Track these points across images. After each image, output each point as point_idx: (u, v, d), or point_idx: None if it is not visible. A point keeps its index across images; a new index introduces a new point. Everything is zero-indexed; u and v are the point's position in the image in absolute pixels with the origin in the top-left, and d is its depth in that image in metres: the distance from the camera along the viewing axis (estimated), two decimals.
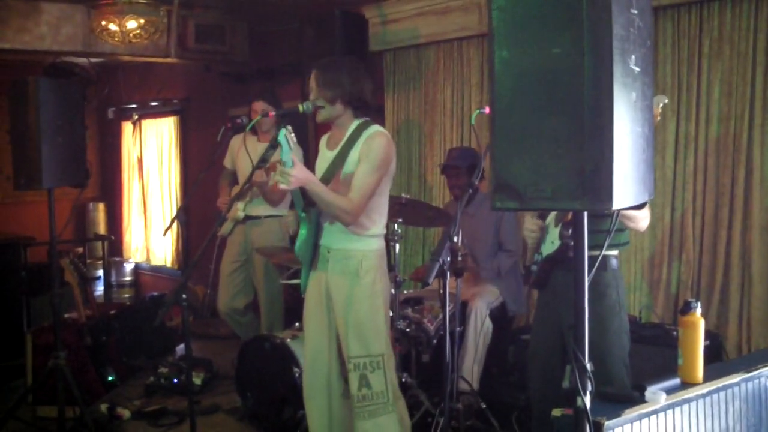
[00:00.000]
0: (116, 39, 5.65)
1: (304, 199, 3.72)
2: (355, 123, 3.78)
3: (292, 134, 3.49)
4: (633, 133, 2.11)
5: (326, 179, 3.73)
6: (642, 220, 3.50)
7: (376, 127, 3.77)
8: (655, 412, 2.67)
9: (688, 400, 2.78)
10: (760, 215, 4.70)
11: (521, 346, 5.03)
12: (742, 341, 4.75)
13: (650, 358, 4.26)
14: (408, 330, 4.95)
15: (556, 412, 2.64)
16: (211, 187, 6.12)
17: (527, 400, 4.05)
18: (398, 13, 6.57)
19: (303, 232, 3.82)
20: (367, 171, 3.65)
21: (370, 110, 3.86)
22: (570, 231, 3.57)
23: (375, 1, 6.63)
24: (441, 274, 3.54)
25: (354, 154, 3.69)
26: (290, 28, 7.37)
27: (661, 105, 3.02)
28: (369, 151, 3.66)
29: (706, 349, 3.20)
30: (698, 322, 2.97)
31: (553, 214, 3.75)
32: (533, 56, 2.10)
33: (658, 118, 3.02)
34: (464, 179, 5.11)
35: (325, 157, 3.85)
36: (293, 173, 3.43)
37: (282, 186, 3.49)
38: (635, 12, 2.12)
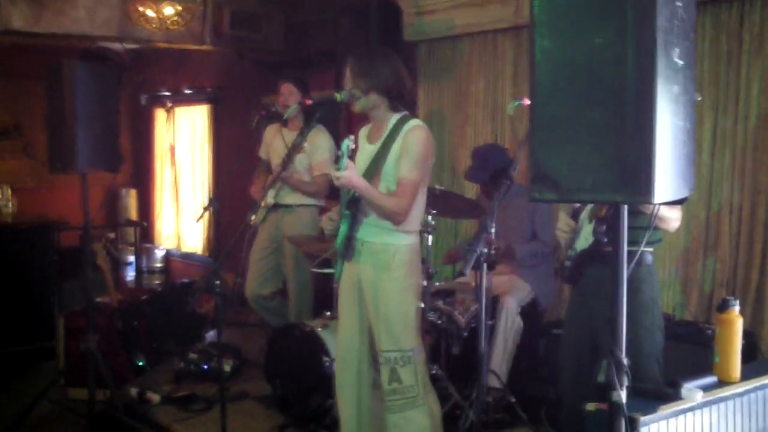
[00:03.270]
0: (153, 25, 5.67)
1: (350, 198, 3.74)
2: (395, 117, 3.77)
3: (351, 142, 3.51)
4: (674, 126, 2.09)
5: (369, 175, 3.73)
6: (674, 221, 3.46)
7: (415, 121, 3.75)
8: (692, 409, 2.64)
9: (724, 399, 2.74)
10: None
11: (552, 341, 5.00)
12: None
13: (683, 355, 4.22)
14: (439, 322, 4.93)
15: (590, 407, 2.62)
16: (243, 176, 6.13)
17: (557, 394, 4.02)
18: (434, 5, 6.53)
19: (343, 228, 3.83)
20: (409, 168, 3.66)
21: (405, 102, 3.84)
22: (604, 227, 3.54)
23: None
24: (477, 266, 3.52)
25: (395, 149, 3.69)
26: (325, 18, 7.35)
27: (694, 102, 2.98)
28: (409, 146, 3.66)
29: (741, 348, 3.16)
30: (736, 320, 2.93)
31: (587, 209, 3.72)
32: (575, 46, 2.08)
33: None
34: (489, 187, 5.14)
35: (366, 150, 3.84)
36: (345, 175, 3.47)
37: (337, 184, 3.53)
38: (680, 4, 2.09)
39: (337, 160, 3.53)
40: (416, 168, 3.67)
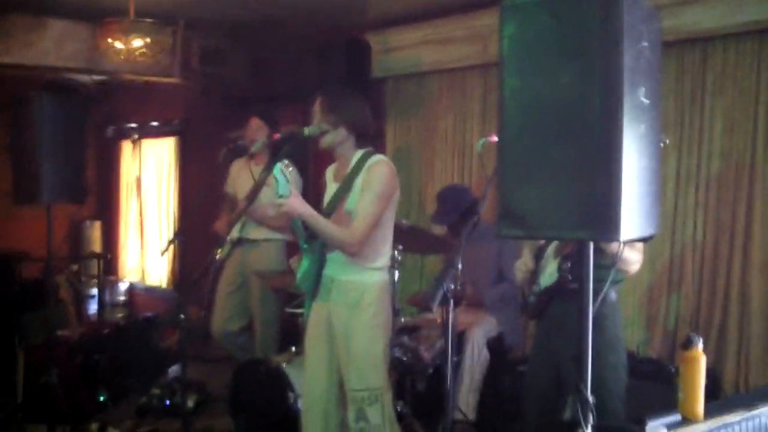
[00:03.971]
0: (121, 57, 5.64)
1: (306, 231, 3.71)
2: (359, 153, 3.78)
3: (290, 168, 3.49)
4: (641, 165, 2.11)
5: (329, 211, 3.74)
6: (635, 263, 3.50)
7: (379, 157, 3.77)
8: None
9: None
10: (760, 252, 4.69)
11: (517, 377, 4.99)
12: (740, 378, 4.73)
13: (648, 393, 4.23)
14: (404, 358, 4.91)
15: None
16: (209, 210, 6.10)
17: (522, 430, 4.01)
18: (401, 41, 6.59)
19: (305, 263, 3.80)
20: (369, 200, 3.64)
21: (370, 139, 3.87)
22: (569, 264, 3.57)
23: (379, 28, 6.65)
24: (444, 301, 3.52)
25: (357, 185, 3.70)
26: (292, 54, 7.38)
27: (661, 145, 3.02)
28: (371, 180, 3.66)
29: (705, 385, 3.18)
30: (700, 358, 2.94)
31: (552, 246, 3.74)
32: (542, 85, 2.10)
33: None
34: (456, 227, 5.15)
35: (331, 189, 3.86)
36: (288, 203, 3.45)
37: (272, 214, 3.50)
38: (645, 44, 2.12)
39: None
40: (375, 201, 3.65)
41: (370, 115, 3.86)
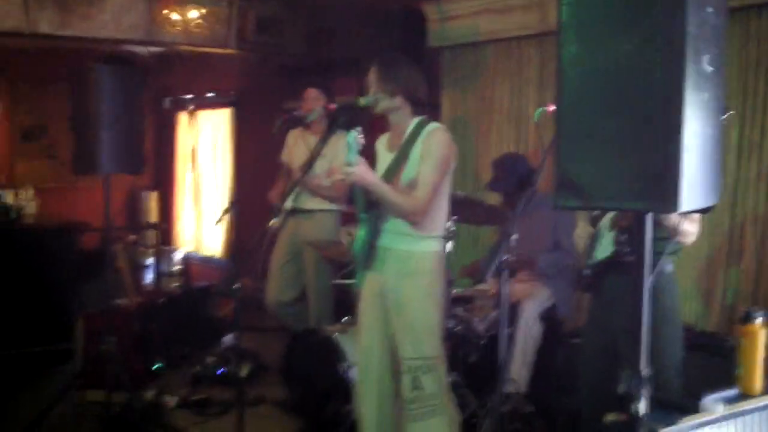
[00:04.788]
0: (178, 28, 5.68)
1: (366, 200, 3.71)
2: (414, 121, 3.76)
3: (361, 136, 3.51)
4: (703, 134, 2.06)
5: (387, 180, 3.71)
6: (691, 235, 3.44)
7: (435, 125, 3.75)
8: (713, 422, 2.60)
9: (746, 412, 2.70)
10: None
11: (570, 350, 4.96)
12: None
13: (705, 367, 4.18)
14: (457, 329, 4.91)
15: (610, 417, 2.59)
16: (263, 180, 6.13)
17: (575, 404, 3.99)
18: (458, 10, 6.52)
19: (361, 233, 3.81)
20: (430, 169, 3.63)
21: (426, 107, 3.85)
22: (625, 236, 3.52)
23: None
24: (498, 273, 3.51)
25: (415, 153, 3.68)
26: (349, 23, 7.35)
27: (723, 117, 2.96)
28: (430, 148, 3.65)
29: (765, 360, 3.12)
30: (759, 332, 2.89)
31: (607, 217, 3.69)
32: (602, 53, 2.06)
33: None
34: (512, 196, 5.12)
35: (385, 159, 3.84)
36: (356, 170, 3.48)
37: (343, 179, 3.52)
38: (710, 10, 2.06)
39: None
40: (436, 169, 3.64)
41: (426, 83, 3.84)
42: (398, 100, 3.73)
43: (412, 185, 3.66)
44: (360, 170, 3.50)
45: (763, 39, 4.81)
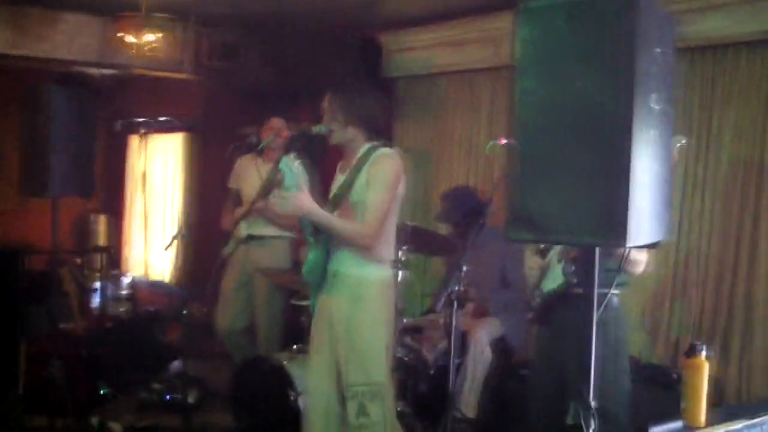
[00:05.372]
0: (133, 51, 5.65)
1: (313, 225, 3.70)
2: (365, 146, 3.74)
3: (297, 161, 3.48)
4: (652, 171, 2.11)
5: (335, 204, 3.72)
6: (641, 264, 3.50)
7: (384, 149, 3.74)
8: None
9: None
10: (765, 262, 4.69)
11: (520, 380, 4.99)
12: (743, 386, 4.73)
13: (651, 399, 4.24)
14: (406, 359, 4.92)
15: None
16: (214, 206, 6.10)
17: None
18: (414, 42, 6.61)
19: (311, 256, 3.78)
20: (377, 191, 3.60)
21: (381, 135, 3.85)
22: (573, 267, 3.57)
23: (392, 28, 6.66)
24: (448, 304, 3.53)
25: (362, 178, 3.66)
26: (306, 50, 7.37)
27: (678, 146, 3.02)
28: (378, 172, 3.63)
29: (708, 393, 3.17)
30: (704, 365, 2.95)
31: (556, 249, 3.74)
32: (557, 88, 2.10)
33: (676, 158, 3.02)
34: (461, 228, 5.15)
35: (337, 182, 3.83)
36: (291, 199, 3.44)
37: (279, 210, 3.49)
38: (659, 50, 2.12)
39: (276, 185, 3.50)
40: (385, 192, 3.61)
41: (382, 112, 3.85)
42: (350, 131, 3.71)
43: (358, 208, 3.64)
44: (299, 198, 3.45)
45: (707, 79, 4.95)
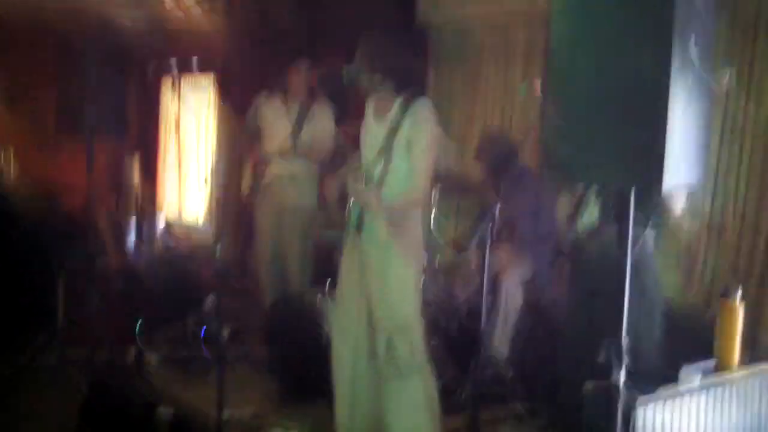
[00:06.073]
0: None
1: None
2: (399, 99, 3.76)
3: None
4: (689, 114, 2.10)
5: (380, 157, 3.75)
6: (677, 205, 3.49)
7: (420, 104, 3.75)
8: (689, 392, 2.66)
9: (721, 383, 2.77)
10: None
11: (551, 320, 5.01)
12: None
13: (683, 340, 4.24)
14: (438, 297, 4.95)
15: (589, 386, 2.64)
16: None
17: (555, 372, 4.05)
18: None
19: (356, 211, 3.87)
20: (420, 155, 3.69)
21: (411, 85, 3.84)
22: (611, 204, 3.56)
23: None
24: (480, 244, 3.55)
25: (402, 136, 3.71)
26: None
27: (724, 78, 2.99)
28: (418, 134, 3.69)
29: (742, 334, 3.18)
30: (738, 308, 2.95)
31: (592, 189, 3.73)
32: (591, 34, 2.08)
33: (723, 89, 2.98)
34: (497, 169, 5.14)
35: (371, 128, 3.86)
36: (366, 197, 3.71)
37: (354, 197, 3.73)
38: None
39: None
40: (426, 154, 3.71)
41: (411, 63, 3.90)
42: (379, 78, 3.74)
43: (399, 167, 3.72)
44: (368, 197, 3.68)
45: (749, 25, 4.84)
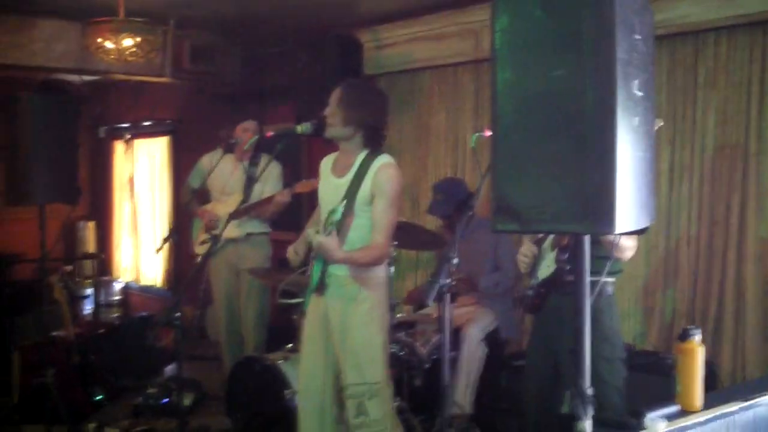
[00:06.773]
0: (112, 56, 5.61)
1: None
2: (364, 152, 3.76)
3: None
4: (635, 157, 2.10)
5: (344, 213, 3.70)
6: (629, 250, 3.52)
7: (384, 158, 3.76)
8: None
9: (687, 428, 2.75)
10: (754, 245, 4.70)
11: (514, 372, 5.00)
12: (737, 370, 4.74)
13: (645, 385, 4.23)
14: (401, 354, 4.91)
15: None
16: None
17: (520, 426, 4.01)
18: (393, 38, 6.57)
19: (318, 266, 3.82)
20: (385, 208, 3.68)
21: (381, 141, 3.84)
22: (566, 255, 3.57)
23: (370, 25, 6.63)
24: (439, 297, 3.52)
25: (366, 188, 3.69)
26: (284, 51, 7.34)
27: (656, 127, 3.02)
28: (383, 185, 3.67)
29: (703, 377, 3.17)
30: (697, 349, 2.95)
31: (549, 238, 3.74)
32: (535, 78, 2.09)
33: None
34: (452, 219, 5.15)
35: (332, 183, 3.83)
36: (324, 243, 3.55)
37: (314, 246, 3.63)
38: (638, 37, 2.11)
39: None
40: (391, 207, 3.69)
41: (386, 116, 3.85)
42: (349, 129, 3.72)
43: (361, 218, 3.69)
44: (328, 244, 3.55)
45: (690, 65, 4.95)
